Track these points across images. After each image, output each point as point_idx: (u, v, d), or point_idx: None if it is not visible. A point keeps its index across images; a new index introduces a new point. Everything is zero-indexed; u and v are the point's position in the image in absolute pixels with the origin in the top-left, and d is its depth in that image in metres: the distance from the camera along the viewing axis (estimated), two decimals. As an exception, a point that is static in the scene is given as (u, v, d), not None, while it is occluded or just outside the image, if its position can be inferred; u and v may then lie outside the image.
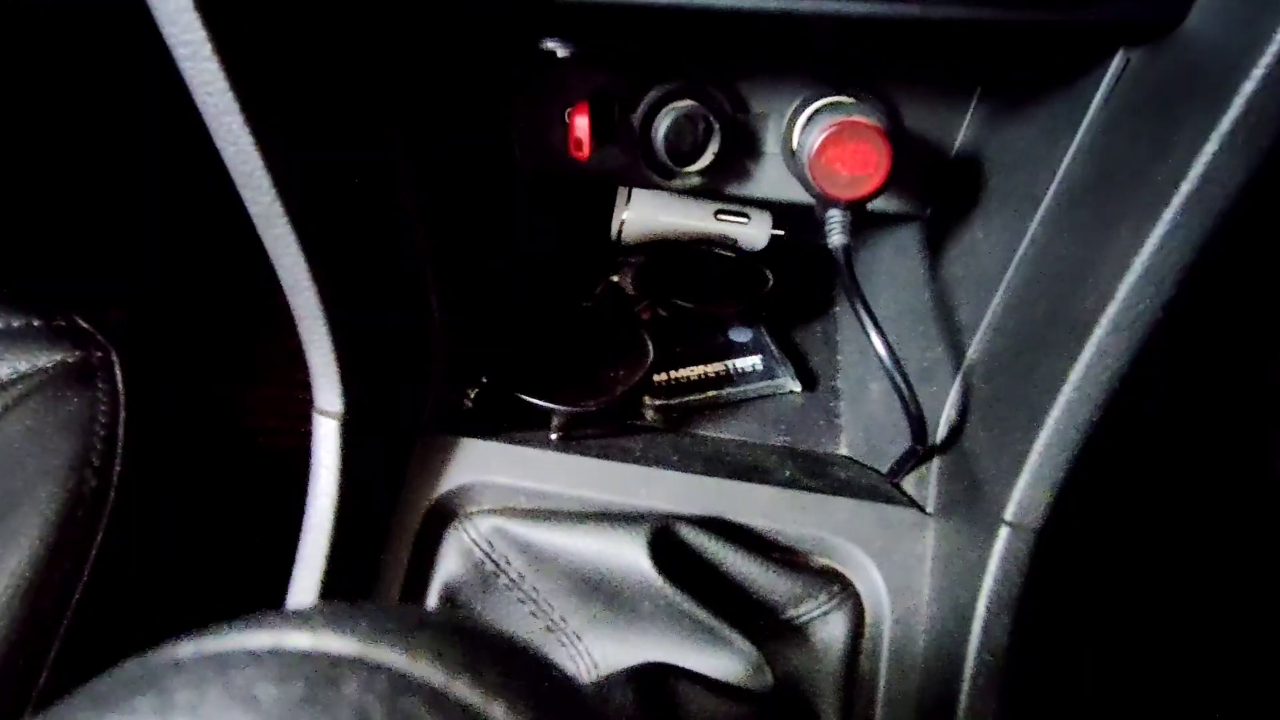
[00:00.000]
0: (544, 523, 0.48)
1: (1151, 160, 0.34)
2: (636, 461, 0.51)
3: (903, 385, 0.44)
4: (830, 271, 0.72)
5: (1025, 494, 0.41)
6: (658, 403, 0.61)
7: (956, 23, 0.35)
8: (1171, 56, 0.35)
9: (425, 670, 0.15)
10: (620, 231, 0.68)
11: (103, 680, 0.15)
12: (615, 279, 0.70)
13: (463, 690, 0.14)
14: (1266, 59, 0.29)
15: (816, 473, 0.53)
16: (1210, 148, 0.31)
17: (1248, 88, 0.29)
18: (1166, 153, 0.33)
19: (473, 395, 0.56)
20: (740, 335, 0.67)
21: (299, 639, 0.15)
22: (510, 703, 0.14)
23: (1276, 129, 0.30)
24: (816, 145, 0.44)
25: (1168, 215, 0.33)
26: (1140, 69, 0.37)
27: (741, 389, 0.63)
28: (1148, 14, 0.34)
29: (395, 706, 0.13)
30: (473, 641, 0.16)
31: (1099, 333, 0.36)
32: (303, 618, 0.16)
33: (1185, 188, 0.32)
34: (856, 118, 0.44)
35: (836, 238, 0.45)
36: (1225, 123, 0.30)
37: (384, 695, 0.14)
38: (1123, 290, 0.35)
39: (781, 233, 0.68)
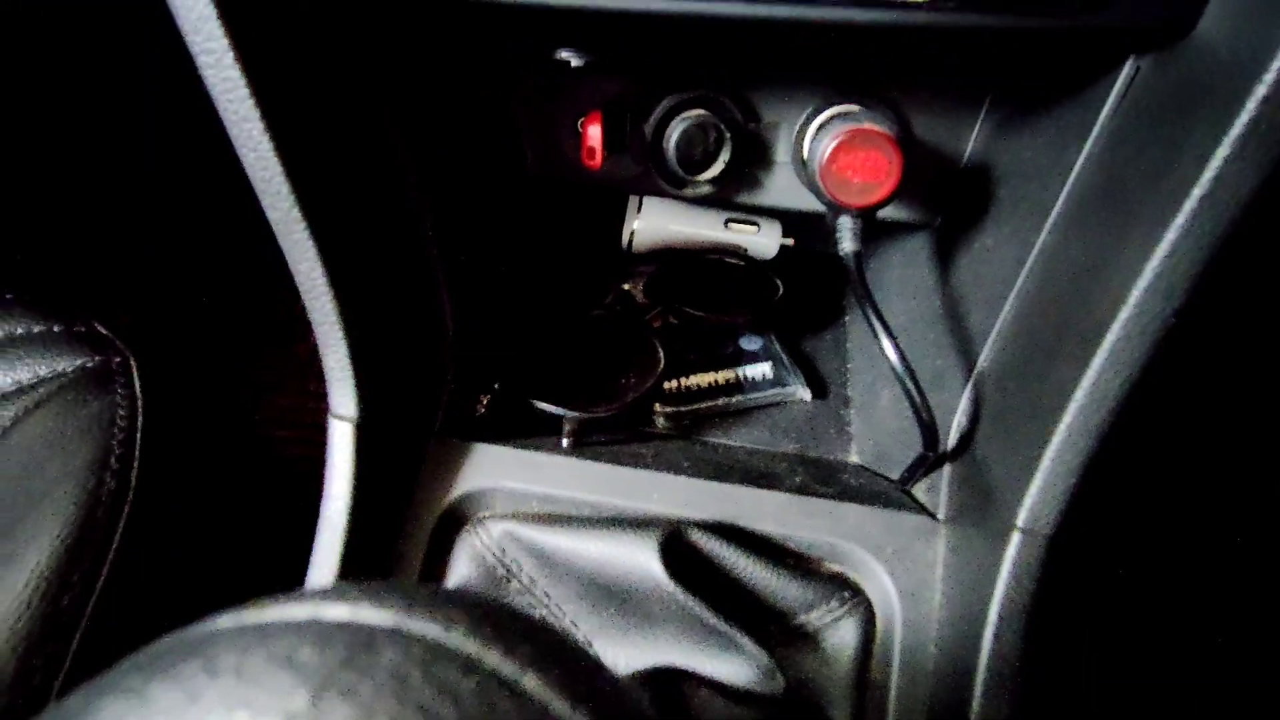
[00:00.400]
0: (556, 527, 0.48)
1: (1162, 167, 0.34)
2: (648, 467, 0.51)
3: (914, 392, 0.44)
4: (839, 280, 0.72)
5: (1037, 500, 0.40)
6: (668, 410, 0.61)
7: (966, 30, 0.35)
8: (1182, 63, 0.35)
9: (460, 641, 0.15)
10: (631, 240, 0.69)
11: (143, 652, 0.16)
12: (626, 287, 0.71)
13: (496, 660, 0.15)
14: (1278, 64, 0.29)
15: (827, 479, 0.53)
16: (1221, 153, 0.31)
17: (1259, 92, 0.30)
18: (1177, 159, 0.33)
19: (485, 401, 0.57)
20: (750, 343, 0.68)
21: (336, 610, 0.15)
22: (542, 673, 0.15)
23: (1288, 134, 0.30)
24: (828, 152, 0.44)
25: (1179, 221, 0.33)
26: (1150, 76, 0.37)
27: (752, 396, 0.63)
28: (1158, 19, 0.34)
29: (431, 672, 0.14)
30: (504, 617, 0.16)
31: (1110, 339, 0.36)
32: (339, 592, 0.16)
33: (1196, 193, 0.32)
34: (868, 125, 0.44)
35: (848, 245, 0.46)
36: (1236, 128, 0.31)
37: (420, 662, 0.14)
38: (1134, 297, 0.35)
39: (791, 241, 0.68)
